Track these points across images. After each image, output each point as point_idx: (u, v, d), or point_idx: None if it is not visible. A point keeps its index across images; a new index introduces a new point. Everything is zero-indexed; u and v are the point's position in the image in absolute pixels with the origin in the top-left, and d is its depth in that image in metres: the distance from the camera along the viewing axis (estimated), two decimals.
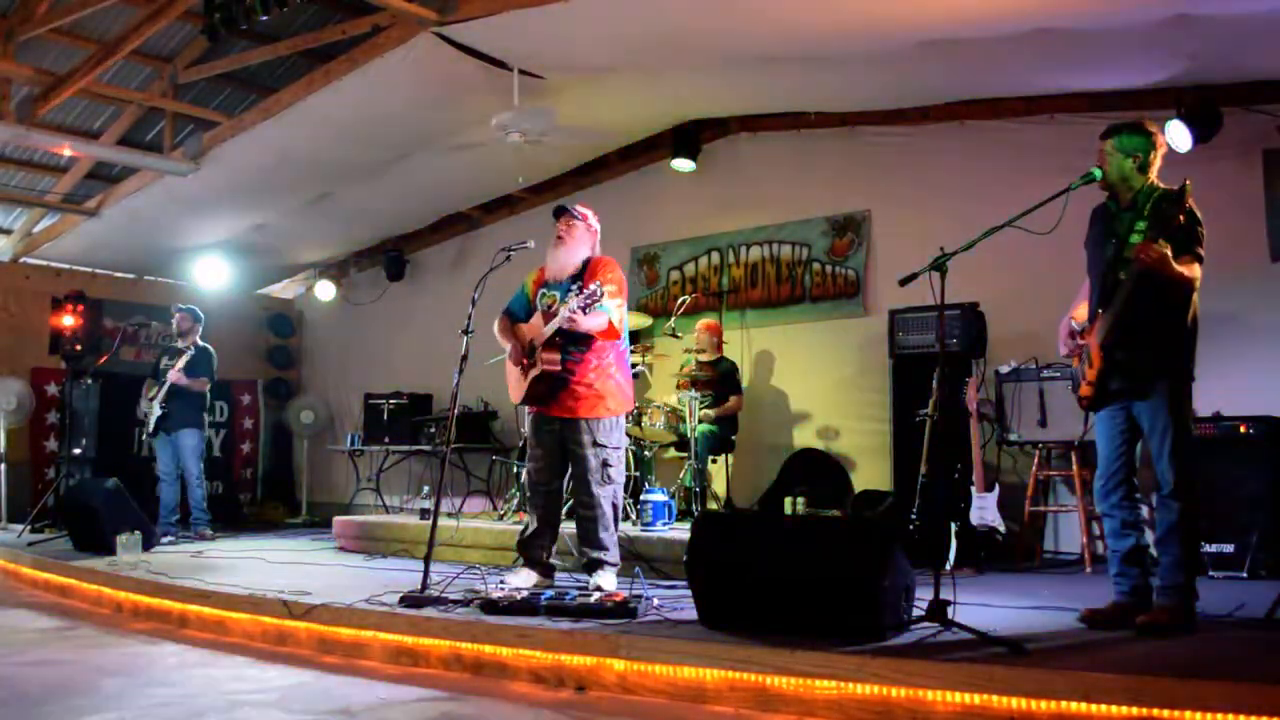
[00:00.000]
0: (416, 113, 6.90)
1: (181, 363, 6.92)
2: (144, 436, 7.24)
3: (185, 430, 7.22)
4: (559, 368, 4.49)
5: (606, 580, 4.55)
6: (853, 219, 7.36)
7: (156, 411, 7.08)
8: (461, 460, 8.56)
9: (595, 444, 4.57)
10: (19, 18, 6.26)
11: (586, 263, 4.68)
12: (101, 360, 8.11)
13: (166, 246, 9.30)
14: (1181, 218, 3.47)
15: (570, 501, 4.93)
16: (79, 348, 8.26)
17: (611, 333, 4.57)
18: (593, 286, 4.32)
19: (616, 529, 4.76)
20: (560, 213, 4.77)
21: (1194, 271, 3.52)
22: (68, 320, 8.22)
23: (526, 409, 4.84)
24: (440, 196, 8.97)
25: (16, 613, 5.27)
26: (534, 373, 4.54)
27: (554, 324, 4.42)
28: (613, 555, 4.67)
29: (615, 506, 4.70)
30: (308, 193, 8.30)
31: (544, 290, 4.74)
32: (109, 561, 5.78)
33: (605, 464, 4.58)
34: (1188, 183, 3.51)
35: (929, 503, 5.27)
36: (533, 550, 4.76)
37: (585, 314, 4.33)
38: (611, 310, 4.50)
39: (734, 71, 6.41)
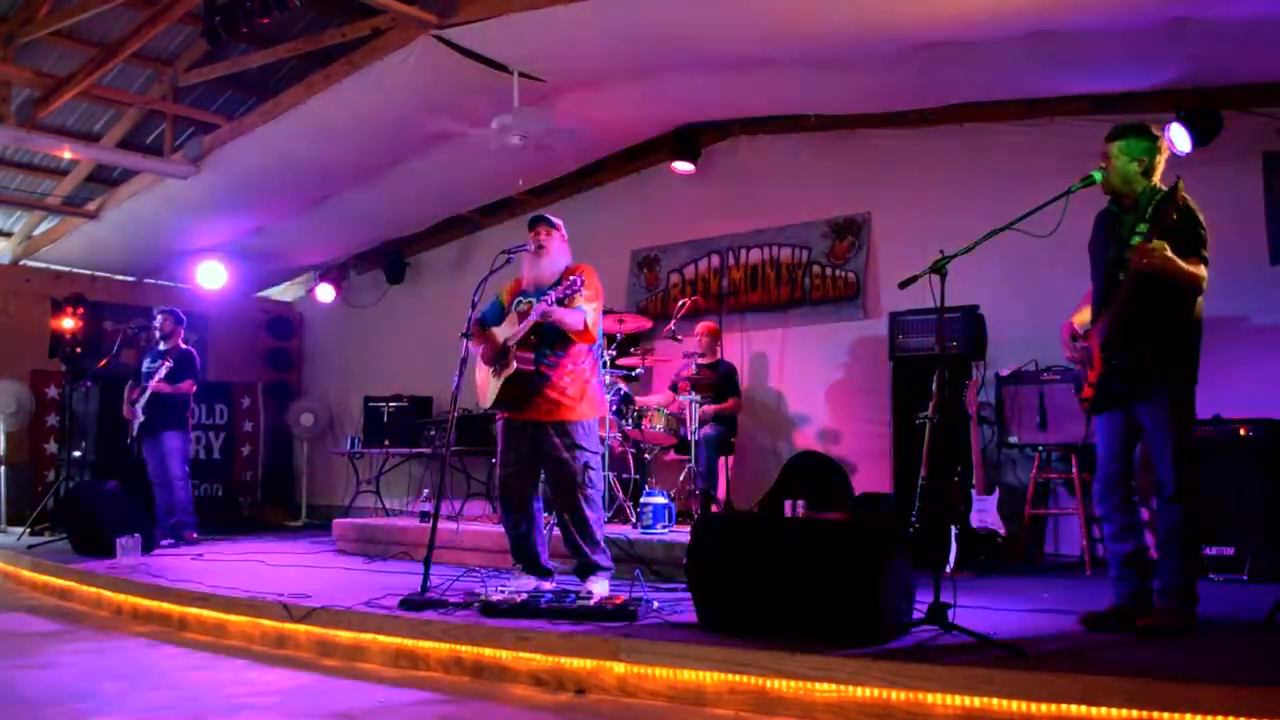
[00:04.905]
0: (416, 115, 6.89)
1: (162, 372, 6.89)
2: (127, 441, 7.21)
3: (168, 433, 7.14)
4: (532, 366, 4.48)
5: (600, 586, 4.52)
6: (853, 222, 7.36)
7: (140, 418, 7.06)
8: (461, 463, 8.54)
9: (574, 447, 4.54)
10: (19, 20, 6.26)
11: (565, 271, 4.69)
12: (102, 363, 8.10)
13: (166, 249, 9.30)
14: (1175, 216, 3.45)
15: (552, 506, 4.87)
16: (79, 351, 8.27)
17: (586, 335, 4.57)
18: (572, 278, 4.40)
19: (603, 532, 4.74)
20: (538, 222, 4.77)
21: (1199, 273, 3.51)
22: (68, 323, 8.24)
23: (497, 415, 4.78)
24: (440, 199, 8.96)
25: (16, 615, 5.27)
26: (507, 373, 4.48)
27: (531, 318, 4.39)
28: (605, 559, 4.66)
29: (599, 510, 4.69)
30: (308, 195, 8.30)
31: (520, 298, 4.70)
32: (109, 564, 5.78)
33: (586, 467, 4.56)
34: (1180, 181, 3.50)
35: (929, 505, 5.27)
36: (526, 557, 4.75)
37: (562, 306, 4.38)
38: (588, 312, 4.52)
39: (734, 74, 6.40)
